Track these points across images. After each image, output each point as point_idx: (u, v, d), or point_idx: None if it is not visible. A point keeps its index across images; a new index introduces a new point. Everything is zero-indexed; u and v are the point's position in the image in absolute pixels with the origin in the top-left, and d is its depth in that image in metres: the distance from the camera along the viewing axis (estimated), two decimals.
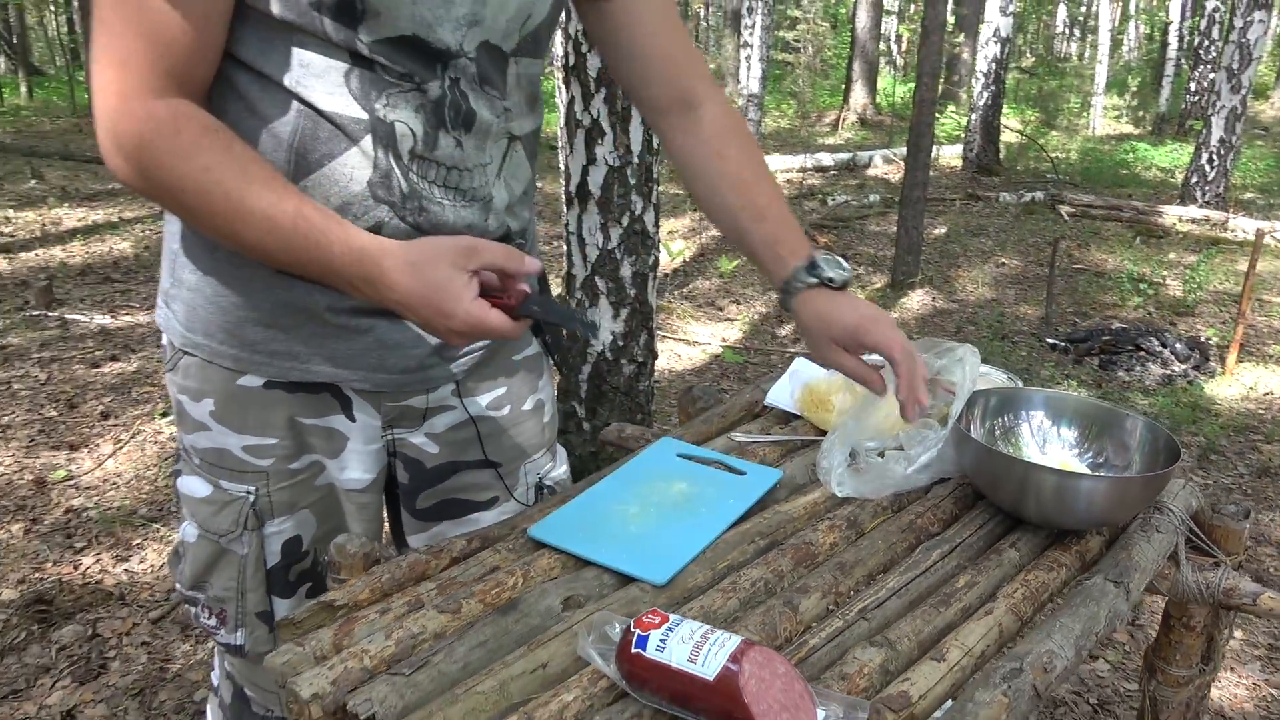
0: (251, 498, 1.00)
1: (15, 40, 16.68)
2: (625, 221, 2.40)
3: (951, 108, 11.65)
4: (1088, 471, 1.01)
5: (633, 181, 2.37)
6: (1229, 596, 0.96)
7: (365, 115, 0.85)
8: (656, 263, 2.51)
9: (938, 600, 0.85)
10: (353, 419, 1.01)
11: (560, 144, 2.42)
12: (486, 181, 0.94)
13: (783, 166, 8.71)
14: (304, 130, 0.85)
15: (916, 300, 5.01)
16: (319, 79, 0.83)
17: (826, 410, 1.18)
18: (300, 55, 0.83)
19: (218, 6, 0.79)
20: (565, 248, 2.51)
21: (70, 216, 6.55)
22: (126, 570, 2.40)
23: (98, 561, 2.43)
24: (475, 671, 0.76)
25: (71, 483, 2.86)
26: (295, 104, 0.84)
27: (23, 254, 5.62)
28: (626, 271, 2.44)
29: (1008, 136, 9.67)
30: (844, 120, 12.29)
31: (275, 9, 0.80)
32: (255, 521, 1.00)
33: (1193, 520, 1.02)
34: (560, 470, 1.16)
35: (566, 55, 2.31)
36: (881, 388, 0.97)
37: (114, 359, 3.90)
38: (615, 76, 1.08)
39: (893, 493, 1.01)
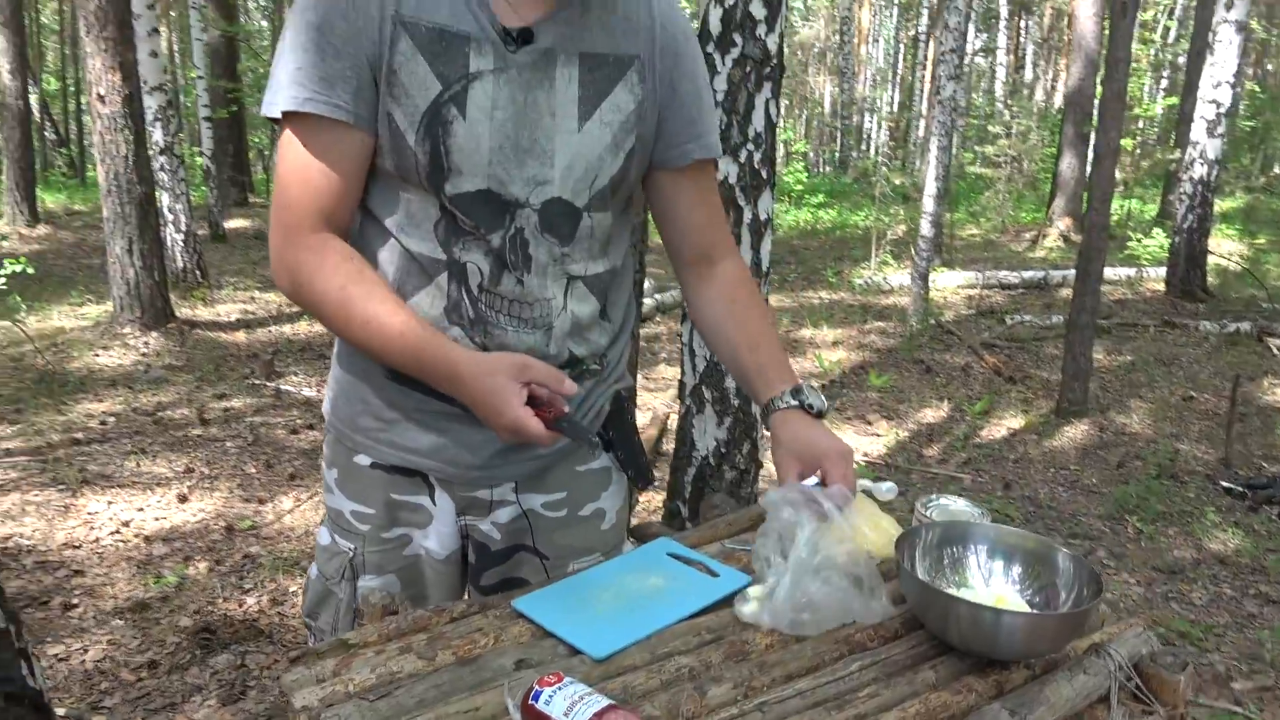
0: (351, 553, 1.26)
1: None
2: None
3: (1159, 229, 11.04)
4: (1022, 604, 1.08)
5: None
6: None
7: (444, 256, 1.11)
8: None
9: (835, 705, 0.96)
10: (435, 503, 1.25)
11: None
12: (549, 313, 1.15)
13: (961, 281, 8.58)
14: (399, 266, 1.12)
15: (1080, 430, 4.81)
16: (416, 227, 1.10)
17: None
18: (405, 205, 1.10)
19: (358, 164, 1.07)
20: (680, 357, 2.72)
21: None
22: (279, 613, 2.76)
23: (258, 603, 2.81)
24: (426, 706, 0.95)
25: (253, 532, 3.31)
26: (395, 244, 1.12)
27: (259, 330, 6.51)
28: (730, 383, 2.61)
29: (1222, 260, 9.05)
30: (1043, 237, 11.91)
31: (388, 164, 1.07)
32: (352, 573, 1.26)
33: (1135, 667, 1.06)
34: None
35: None
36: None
37: (310, 428, 4.46)
38: (658, 228, 1.29)
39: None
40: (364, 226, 1.13)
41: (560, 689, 0.86)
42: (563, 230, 1.12)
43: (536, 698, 0.86)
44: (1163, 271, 8.76)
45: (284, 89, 1.02)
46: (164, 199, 7.29)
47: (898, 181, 10.45)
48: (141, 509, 3.44)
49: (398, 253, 1.11)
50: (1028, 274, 8.72)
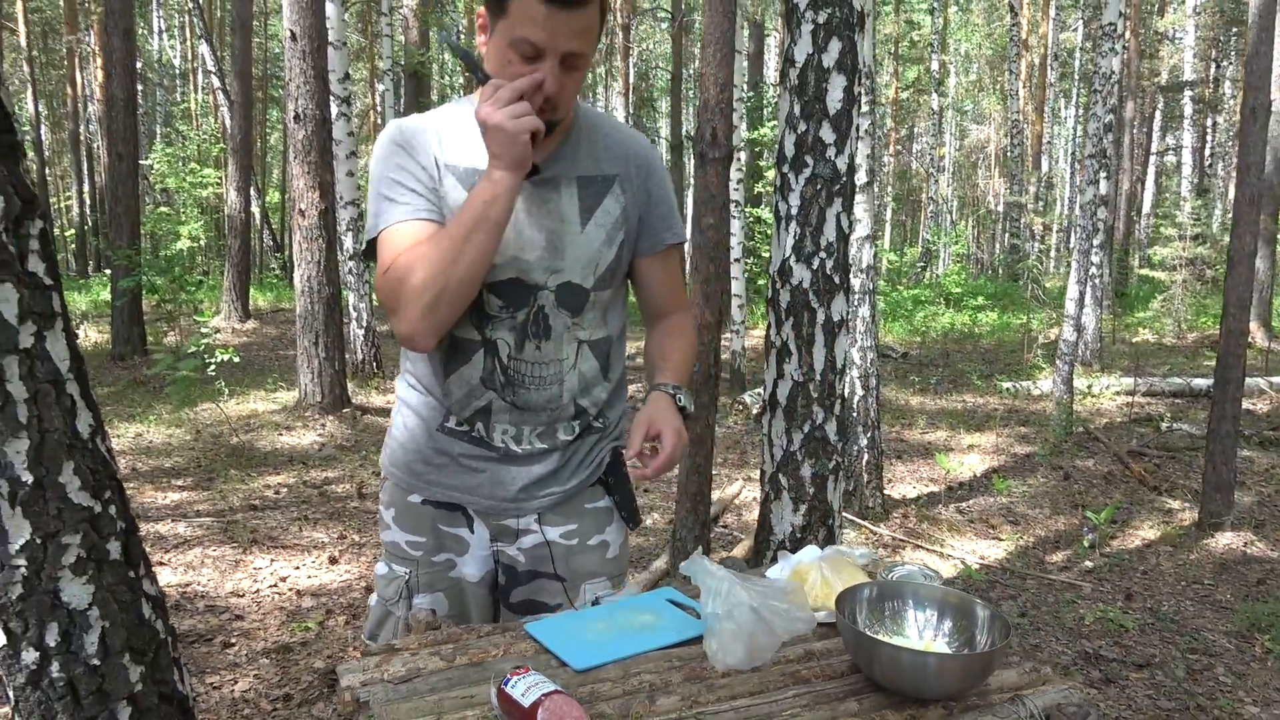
0: (407, 576, 1.57)
1: None
2: (806, 429, 2.77)
3: None
4: (943, 649, 1.23)
5: (814, 395, 2.75)
6: None
7: (479, 337, 1.44)
8: (837, 468, 2.82)
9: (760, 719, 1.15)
10: (473, 531, 1.56)
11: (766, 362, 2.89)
12: (561, 372, 1.49)
13: (1120, 388, 8.23)
14: (446, 350, 1.46)
15: (1222, 544, 4.56)
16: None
17: (802, 582, 1.48)
18: None
19: None
20: (763, 446, 2.93)
21: None
22: None
23: None
24: (435, 691, 1.21)
25: None
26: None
27: None
28: (806, 472, 2.79)
29: None
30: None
31: None
32: (408, 593, 1.57)
33: (1047, 718, 1.18)
34: (619, 597, 1.59)
35: (775, 290, 2.81)
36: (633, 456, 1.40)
37: None
38: (635, 292, 1.63)
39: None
40: None
41: (523, 678, 1.11)
42: (574, 304, 1.46)
43: (506, 683, 1.11)
44: None
45: (383, 216, 1.38)
46: (350, 298, 8.19)
47: (1049, 284, 10.18)
48: (298, 567, 3.91)
49: (446, 340, 1.44)
50: (1195, 381, 8.27)
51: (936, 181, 24.78)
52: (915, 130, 32.73)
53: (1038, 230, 14.11)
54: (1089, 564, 4.33)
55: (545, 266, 1.42)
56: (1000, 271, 23.03)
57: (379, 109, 22.61)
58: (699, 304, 3.43)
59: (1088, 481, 5.69)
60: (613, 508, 1.60)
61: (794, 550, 2.85)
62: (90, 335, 10.44)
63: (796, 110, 2.67)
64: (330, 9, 6.97)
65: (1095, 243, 9.09)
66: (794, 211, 2.71)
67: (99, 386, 7.86)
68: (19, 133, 1.72)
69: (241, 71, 11.91)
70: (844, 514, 4.77)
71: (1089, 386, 8.27)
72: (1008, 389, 8.36)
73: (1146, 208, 22.56)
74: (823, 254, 2.69)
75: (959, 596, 1.27)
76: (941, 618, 1.28)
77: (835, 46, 2.61)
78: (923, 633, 1.28)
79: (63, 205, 25.17)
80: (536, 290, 1.43)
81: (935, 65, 21.46)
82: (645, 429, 1.40)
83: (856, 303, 4.62)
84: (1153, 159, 24.05)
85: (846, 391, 4.71)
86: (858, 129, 2.70)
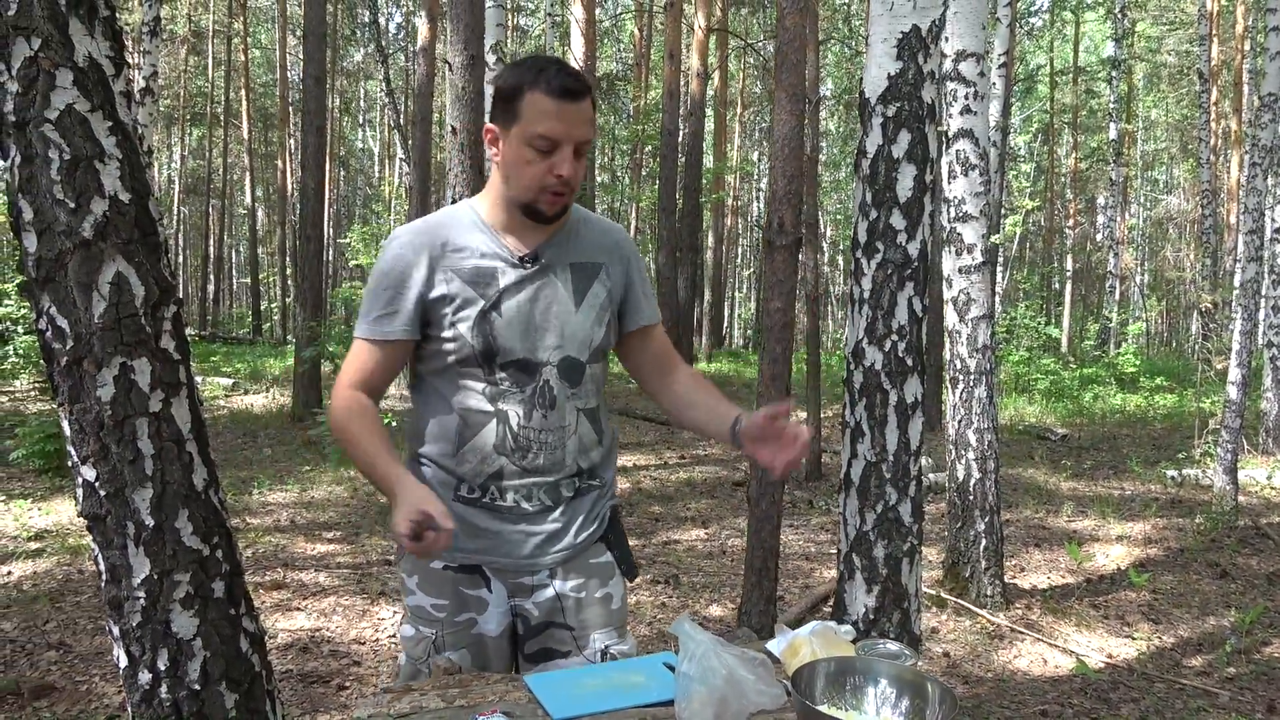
0: (433, 636, 1.74)
1: None
2: (879, 509, 2.78)
3: None
4: None
5: (888, 475, 2.77)
6: None
7: (492, 409, 1.63)
8: (913, 550, 2.81)
9: None
10: (491, 590, 1.72)
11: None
12: (564, 438, 1.66)
13: None
14: (462, 419, 1.65)
15: None
16: (471, 393, 1.64)
17: (794, 655, 1.55)
18: (463, 380, 1.64)
19: (393, 366, 1.65)
20: (839, 525, 2.96)
21: None
22: None
23: None
24: None
25: None
26: (458, 408, 1.65)
27: None
28: (879, 553, 2.80)
29: None
30: None
31: (452, 358, 1.62)
32: (435, 651, 1.74)
33: None
34: (625, 646, 1.74)
35: (849, 371, 2.87)
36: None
37: None
38: (634, 370, 1.83)
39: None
40: (434, 401, 1.67)
41: (490, 718, 1.25)
42: (573, 377, 1.65)
43: None
44: None
45: (361, 322, 1.63)
46: None
47: (1220, 366, 9.43)
48: None
49: (459, 412, 1.64)
50: None
51: (1117, 255, 23.44)
52: (1098, 201, 31.18)
53: (1205, 307, 13.09)
54: (1231, 670, 3.99)
55: (548, 344, 1.62)
56: (1192, 351, 21.37)
57: None
58: (767, 384, 3.51)
59: (1248, 581, 5.23)
60: (614, 562, 1.75)
61: (867, 633, 2.85)
62: (277, 398, 11.49)
63: (869, 198, 2.76)
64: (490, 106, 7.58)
65: (1276, 321, 8.42)
66: (866, 295, 2.78)
67: (278, 445, 8.65)
68: (162, 233, 2.08)
69: (420, 160, 13.00)
70: (959, 601, 4.62)
71: (1269, 476, 7.58)
72: (1171, 477, 7.78)
73: None
74: (894, 336, 2.74)
75: (914, 674, 1.31)
76: (900, 695, 1.32)
77: (905, 138, 2.70)
78: (880, 708, 1.33)
79: (270, 280, 27.90)
80: (541, 366, 1.62)
81: (1113, 134, 20.56)
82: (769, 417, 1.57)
83: (972, 383, 4.53)
84: None
85: (962, 475, 4.59)
86: (929, 216, 2.76)
